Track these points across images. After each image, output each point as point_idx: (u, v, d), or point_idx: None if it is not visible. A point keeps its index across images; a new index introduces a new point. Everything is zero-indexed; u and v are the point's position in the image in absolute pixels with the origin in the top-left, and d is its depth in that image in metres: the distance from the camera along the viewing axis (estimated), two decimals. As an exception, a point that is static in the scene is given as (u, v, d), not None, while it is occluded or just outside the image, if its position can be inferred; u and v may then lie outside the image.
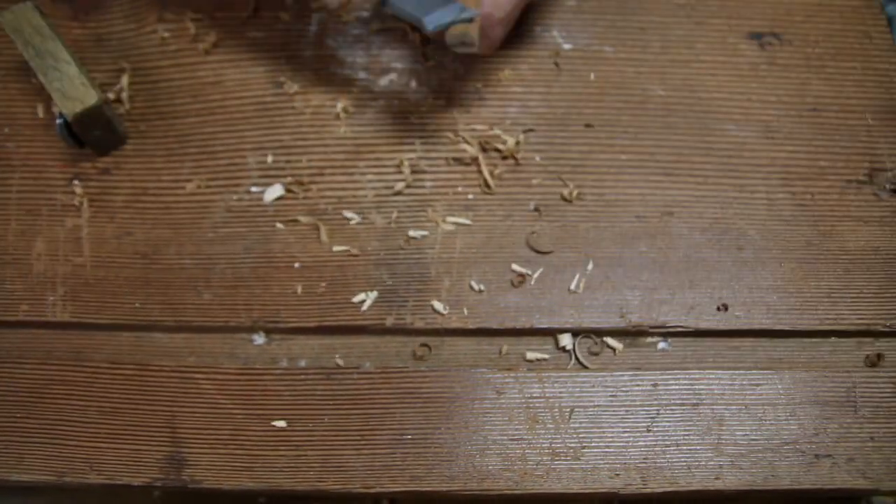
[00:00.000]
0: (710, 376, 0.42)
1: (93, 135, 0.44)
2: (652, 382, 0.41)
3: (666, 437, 0.40)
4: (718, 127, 0.48)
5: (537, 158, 0.47)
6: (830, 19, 0.50)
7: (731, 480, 0.39)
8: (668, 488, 0.39)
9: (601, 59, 0.49)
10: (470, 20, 0.42)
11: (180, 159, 0.47)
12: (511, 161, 0.47)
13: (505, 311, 0.43)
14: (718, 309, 0.43)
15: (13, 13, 0.45)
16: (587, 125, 0.47)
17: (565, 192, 0.46)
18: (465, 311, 0.43)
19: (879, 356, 0.43)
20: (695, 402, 0.41)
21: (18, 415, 0.41)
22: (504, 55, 0.49)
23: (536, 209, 0.46)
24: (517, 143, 0.47)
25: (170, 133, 0.48)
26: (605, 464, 0.40)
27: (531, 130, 0.47)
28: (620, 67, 0.49)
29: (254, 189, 0.46)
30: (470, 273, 0.44)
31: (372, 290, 0.44)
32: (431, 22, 0.41)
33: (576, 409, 0.41)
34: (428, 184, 0.46)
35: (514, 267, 0.44)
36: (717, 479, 0.39)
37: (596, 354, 0.43)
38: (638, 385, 0.41)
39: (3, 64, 0.49)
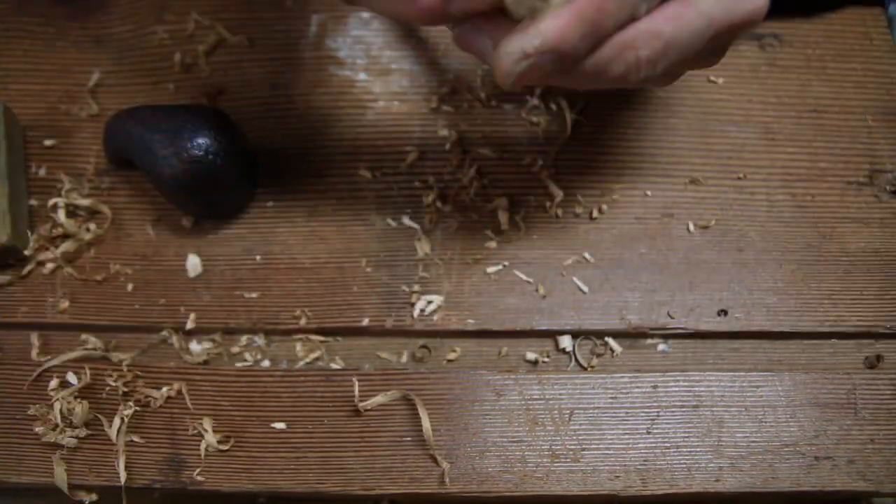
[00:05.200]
0: (710, 378, 0.42)
1: None
2: (652, 384, 0.41)
3: (666, 439, 0.40)
4: (719, 128, 0.47)
5: (539, 161, 0.47)
6: (830, 20, 0.50)
7: (731, 482, 0.39)
8: (667, 490, 0.39)
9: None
10: None
11: (180, 160, 0.47)
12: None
13: (505, 313, 0.43)
14: (719, 314, 0.43)
15: None
16: (588, 126, 0.47)
17: (565, 193, 0.46)
18: (465, 312, 0.43)
19: (879, 358, 0.42)
20: (695, 403, 0.41)
21: (18, 416, 0.41)
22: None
23: (537, 210, 0.46)
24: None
25: (169, 134, 0.48)
26: (604, 466, 0.40)
27: (532, 133, 0.47)
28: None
29: (253, 190, 0.46)
30: (470, 274, 0.44)
31: (372, 292, 0.44)
32: None
33: (575, 411, 0.41)
34: (428, 185, 0.46)
35: (515, 269, 0.44)
36: (717, 481, 0.39)
37: (596, 356, 0.43)
38: (638, 387, 0.41)
39: (2, 64, 0.49)
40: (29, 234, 0.45)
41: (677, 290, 0.44)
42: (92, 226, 0.45)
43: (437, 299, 0.43)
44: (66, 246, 0.44)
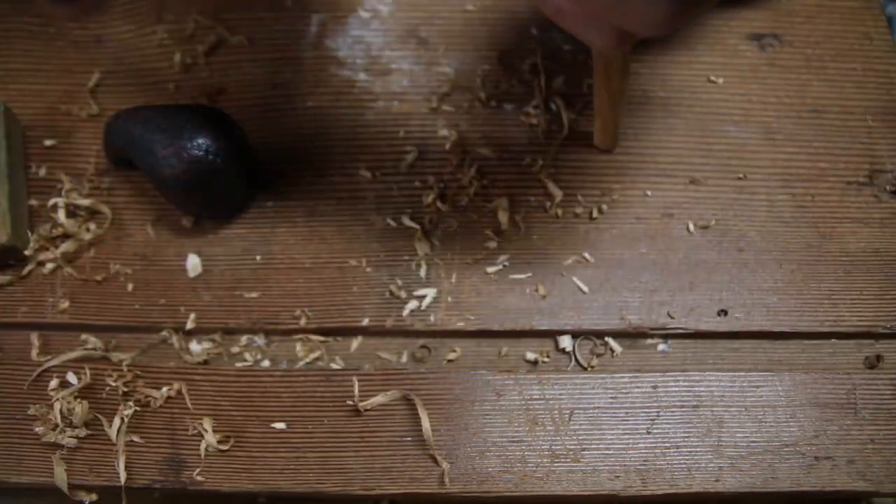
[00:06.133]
0: (710, 378, 0.42)
1: None
2: (652, 384, 0.41)
3: (666, 439, 0.40)
4: (718, 128, 0.47)
5: (539, 161, 0.47)
6: (831, 20, 0.50)
7: (730, 482, 0.39)
8: (667, 490, 0.39)
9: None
10: None
11: (180, 160, 0.47)
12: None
13: (505, 313, 0.43)
14: (719, 314, 0.43)
15: None
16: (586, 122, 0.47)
17: (565, 193, 0.46)
18: (465, 312, 0.43)
19: (879, 358, 0.42)
20: (695, 403, 0.41)
21: (18, 416, 0.41)
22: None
23: (537, 210, 0.46)
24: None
25: (169, 134, 0.48)
26: (604, 466, 0.40)
27: (532, 133, 0.47)
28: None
29: (253, 190, 0.46)
30: (470, 274, 0.44)
31: (372, 292, 0.44)
32: None
33: (575, 411, 0.41)
34: (428, 185, 0.46)
35: (515, 269, 0.44)
36: (716, 481, 0.39)
37: (596, 356, 0.43)
38: (638, 387, 0.41)
39: (2, 64, 0.49)
40: (29, 234, 0.45)
41: (677, 290, 0.44)
42: (92, 226, 0.45)
43: (431, 292, 0.43)
44: (66, 246, 0.44)
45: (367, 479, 0.40)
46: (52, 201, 0.45)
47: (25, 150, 0.47)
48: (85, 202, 0.45)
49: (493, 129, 0.47)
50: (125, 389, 0.41)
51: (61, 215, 0.45)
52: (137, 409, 0.41)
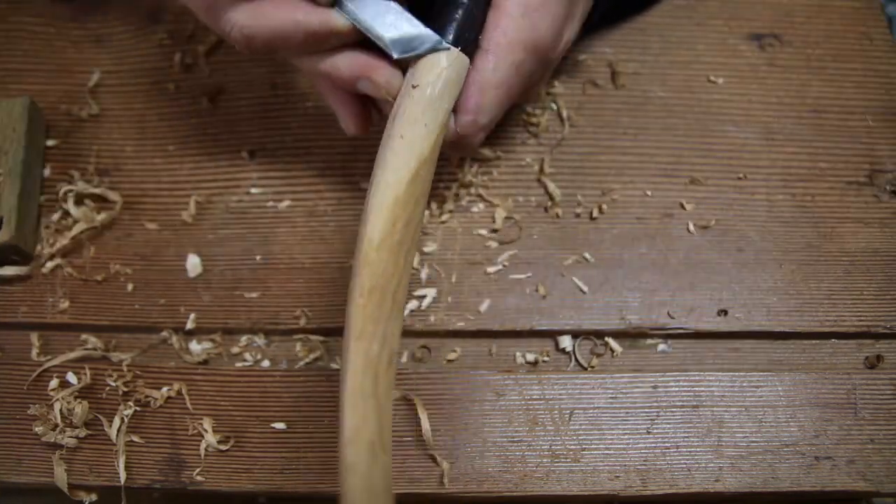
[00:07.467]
0: (710, 378, 0.42)
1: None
2: (652, 384, 0.41)
3: (666, 439, 0.40)
4: (718, 128, 0.47)
5: (539, 161, 0.47)
6: (831, 20, 0.50)
7: (731, 483, 0.39)
8: (667, 490, 0.39)
9: (601, 60, 0.49)
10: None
11: (180, 160, 0.47)
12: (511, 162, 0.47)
13: (505, 313, 0.43)
14: (719, 314, 0.43)
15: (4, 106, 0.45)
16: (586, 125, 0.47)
17: (565, 193, 0.46)
18: (465, 312, 0.43)
19: (879, 357, 0.42)
20: (695, 403, 0.41)
21: (18, 416, 0.41)
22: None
23: (537, 209, 0.46)
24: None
25: (170, 134, 0.48)
26: (604, 466, 0.40)
27: (532, 133, 0.47)
28: (621, 68, 0.49)
29: (254, 190, 0.46)
30: (470, 274, 0.44)
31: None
32: (397, 47, 0.35)
33: (575, 411, 0.41)
34: (428, 185, 0.46)
35: (515, 269, 0.44)
36: (716, 481, 0.39)
37: (596, 356, 0.43)
38: (638, 387, 0.41)
39: (2, 64, 0.49)
40: (41, 231, 0.45)
41: (677, 290, 0.44)
42: (102, 215, 0.45)
43: (431, 292, 0.43)
44: (78, 227, 0.44)
45: (367, 479, 0.40)
46: (63, 189, 0.45)
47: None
48: (95, 190, 0.45)
49: (493, 129, 0.47)
50: (125, 389, 0.41)
51: (71, 204, 0.45)
52: (137, 409, 0.41)
